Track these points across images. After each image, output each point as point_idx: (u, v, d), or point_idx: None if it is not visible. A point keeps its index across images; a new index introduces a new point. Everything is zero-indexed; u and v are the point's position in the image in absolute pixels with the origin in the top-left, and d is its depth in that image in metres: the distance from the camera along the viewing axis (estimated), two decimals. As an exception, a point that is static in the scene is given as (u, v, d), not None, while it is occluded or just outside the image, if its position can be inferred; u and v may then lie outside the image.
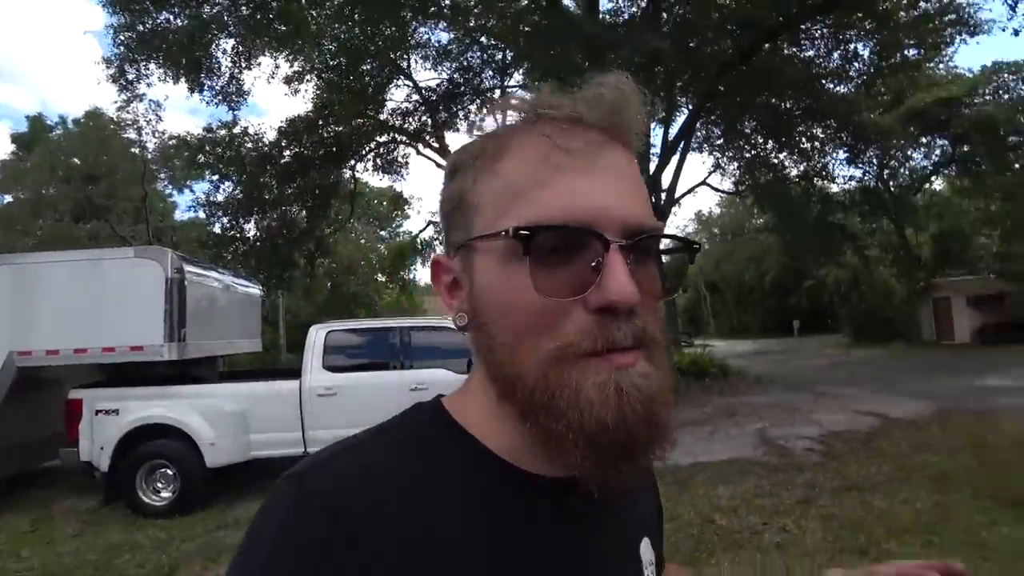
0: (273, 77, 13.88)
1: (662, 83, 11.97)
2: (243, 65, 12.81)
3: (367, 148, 14.99)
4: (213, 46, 12.04)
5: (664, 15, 12.18)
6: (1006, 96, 17.77)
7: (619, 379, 0.40)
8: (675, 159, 13.50)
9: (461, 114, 14.26)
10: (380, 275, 27.45)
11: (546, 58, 11.47)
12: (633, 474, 0.44)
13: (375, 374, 5.97)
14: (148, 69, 12.32)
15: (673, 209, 14.33)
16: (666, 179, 13.51)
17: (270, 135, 13.96)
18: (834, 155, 17.06)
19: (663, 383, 0.43)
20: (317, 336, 6.02)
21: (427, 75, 24.67)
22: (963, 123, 17.50)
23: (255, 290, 8.36)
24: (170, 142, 18.31)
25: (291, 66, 13.39)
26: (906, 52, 11.93)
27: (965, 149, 18.71)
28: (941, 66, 15.66)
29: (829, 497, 4.66)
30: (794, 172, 15.99)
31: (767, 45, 11.47)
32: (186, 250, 12.38)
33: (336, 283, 25.40)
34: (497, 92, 15.48)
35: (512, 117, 0.46)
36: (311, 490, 0.42)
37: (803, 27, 11.48)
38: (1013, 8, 8.48)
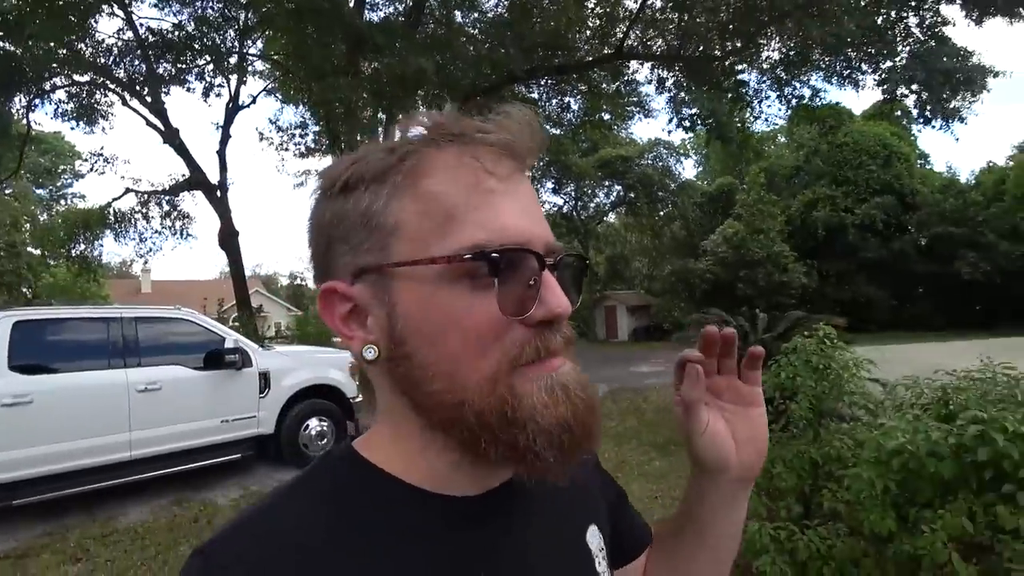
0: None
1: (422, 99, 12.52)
2: None
3: (54, 84, 11.55)
4: None
5: (420, 27, 12.79)
6: (660, 164, 24.55)
7: (560, 378, 0.42)
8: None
9: (195, 72, 12.23)
10: (40, 248, 20.96)
11: (300, 38, 10.80)
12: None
13: (89, 375, 4.82)
14: None
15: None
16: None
17: None
18: (543, 185, 21.12)
19: (584, 375, 0.46)
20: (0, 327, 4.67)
21: (150, 13, 20.16)
22: (633, 176, 23.38)
23: None
24: None
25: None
26: (604, 115, 15.17)
27: (632, 195, 24.71)
28: (624, 132, 20.43)
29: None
30: (510, 195, 18.98)
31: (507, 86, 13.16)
32: None
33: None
34: (234, 58, 13.83)
35: (435, 138, 0.44)
36: (219, 567, 0.40)
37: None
38: (672, 113, 12.05)
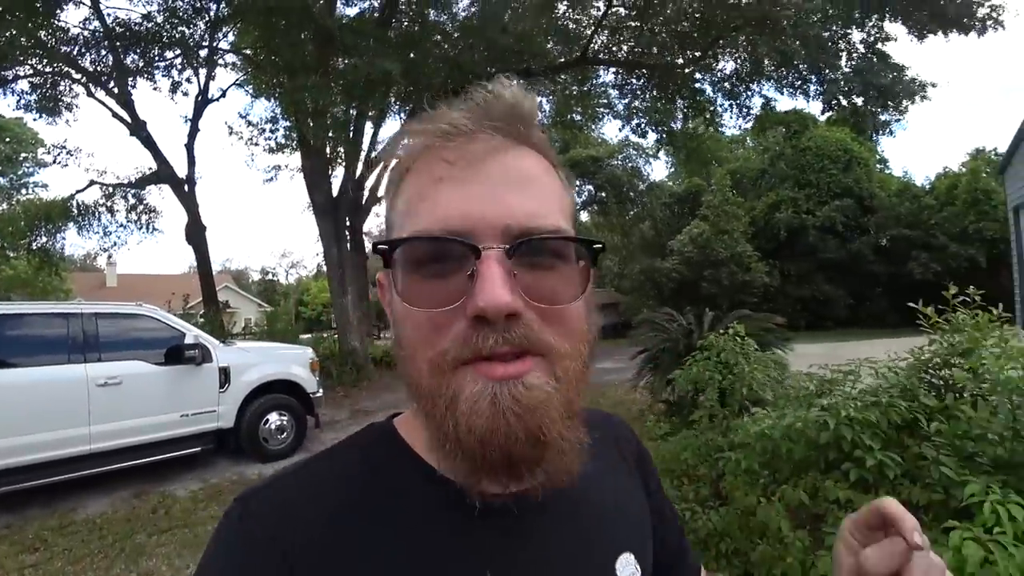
0: None
1: (394, 97, 12.57)
2: None
3: (17, 73, 11.30)
4: None
5: (393, 22, 12.81)
6: (629, 164, 25.04)
7: (496, 390, 0.38)
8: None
9: (161, 66, 12.10)
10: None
11: (271, 33, 10.82)
12: (543, 486, 0.42)
13: (48, 369, 4.92)
14: None
15: (375, 209, 14.65)
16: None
17: None
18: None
19: (558, 397, 0.40)
20: (-44, 322, 4.72)
21: (119, 3, 19.64)
22: (603, 176, 23.80)
23: None
24: None
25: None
26: (574, 116, 15.48)
27: (602, 195, 25.17)
28: (596, 132, 20.80)
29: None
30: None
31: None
32: None
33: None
34: (204, 51, 13.70)
35: (411, 142, 0.46)
36: (254, 513, 0.44)
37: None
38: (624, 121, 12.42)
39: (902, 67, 9.54)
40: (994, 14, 9.31)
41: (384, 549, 0.43)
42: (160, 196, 29.19)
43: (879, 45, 9.60)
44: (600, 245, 0.45)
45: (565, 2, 11.58)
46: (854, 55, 9.75)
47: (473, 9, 12.45)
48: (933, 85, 9.73)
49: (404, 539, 0.44)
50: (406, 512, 0.45)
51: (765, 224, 23.77)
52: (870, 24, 9.41)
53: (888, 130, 9.89)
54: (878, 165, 27.72)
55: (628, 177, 24.22)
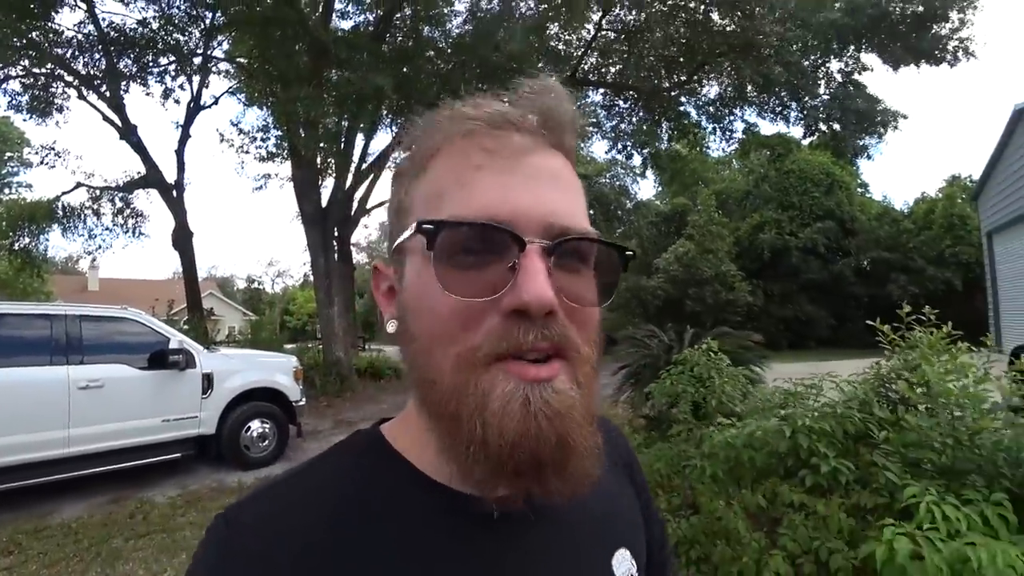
0: None
1: (386, 110, 12.72)
2: None
3: (8, 73, 11.25)
4: None
5: (388, 36, 13.01)
6: (617, 183, 25.37)
7: (529, 392, 0.38)
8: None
9: (155, 71, 12.14)
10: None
11: (265, 44, 10.94)
12: (558, 494, 0.41)
13: (27, 371, 4.87)
14: None
15: (364, 221, 14.82)
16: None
17: None
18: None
19: (581, 403, 0.40)
20: (-65, 321, 4.69)
21: (114, 7, 19.58)
22: (591, 194, 24.07)
23: None
24: None
25: None
26: (564, 134, 15.73)
27: (591, 212, 25.36)
28: (584, 150, 21.11)
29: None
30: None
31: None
32: None
33: None
34: (198, 59, 13.77)
35: (444, 125, 0.45)
36: (238, 526, 0.42)
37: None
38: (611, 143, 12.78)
39: (876, 98, 10.00)
40: (963, 46, 9.77)
41: (382, 556, 0.42)
42: (148, 200, 28.94)
43: (855, 75, 10.07)
44: (631, 252, 0.46)
45: (557, 24, 11.88)
46: (832, 83, 10.21)
47: (467, 27, 12.70)
48: (904, 117, 10.22)
49: (402, 546, 0.42)
50: (403, 519, 0.43)
51: (749, 244, 24.18)
52: (847, 54, 9.86)
53: (866, 154, 10.36)
54: (859, 189, 28.38)
55: (615, 195, 24.50)
